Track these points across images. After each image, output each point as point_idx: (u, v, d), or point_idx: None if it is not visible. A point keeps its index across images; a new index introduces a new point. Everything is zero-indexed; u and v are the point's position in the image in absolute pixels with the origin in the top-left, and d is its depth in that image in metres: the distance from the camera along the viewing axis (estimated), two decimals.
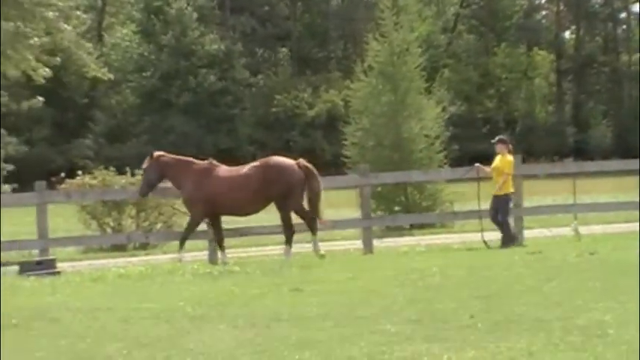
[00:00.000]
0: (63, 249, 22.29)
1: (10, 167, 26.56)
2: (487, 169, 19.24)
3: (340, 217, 23.59)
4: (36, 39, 24.41)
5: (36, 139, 61.13)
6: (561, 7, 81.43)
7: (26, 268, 17.13)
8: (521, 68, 78.16)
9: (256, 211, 18.83)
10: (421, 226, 27.77)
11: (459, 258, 16.49)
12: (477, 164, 19.88)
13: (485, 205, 18.87)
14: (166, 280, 14.91)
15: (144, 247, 25.53)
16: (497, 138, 19.70)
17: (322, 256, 17.62)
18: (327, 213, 19.21)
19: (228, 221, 19.72)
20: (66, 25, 24.24)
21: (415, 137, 30.68)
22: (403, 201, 29.83)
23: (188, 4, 67.76)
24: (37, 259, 18.17)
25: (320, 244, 18.48)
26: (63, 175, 27.44)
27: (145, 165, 18.78)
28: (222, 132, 65.36)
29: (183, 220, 27.24)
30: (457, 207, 27.94)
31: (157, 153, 18.91)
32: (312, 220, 18.31)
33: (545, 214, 24.47)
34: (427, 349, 8.95)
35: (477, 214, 19.50)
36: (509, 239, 18.37)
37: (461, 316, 10.39)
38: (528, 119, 75.54)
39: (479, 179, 19.50)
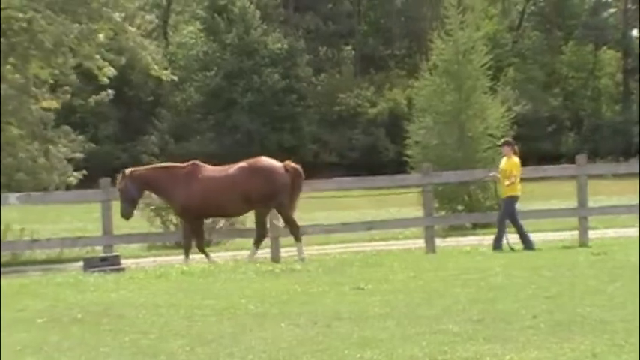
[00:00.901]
0: (127, 246, 22.49)
1: (79, 157, 26.82)
2: (497, 174, 19.03)
3: (403, 216, 23.57)
4: (101, 37, 24.67)
5: (102, 136, 61.73)
6: (629, 5, 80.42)
7: (91, 264, 17.31)
8: (587, 67, 77.36)
9: (241, 212, 18.74)
10: (484, 226, 27.59)
11: (522, 258, 16.37)
12: (491, 173, 19.65)
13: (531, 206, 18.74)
14: (229, 277, 14.99)
15: (207, 244, 25.62)
16: (502, 140, 19.59)
17: (302, 259, 17.43)
18: (391, 212, 19.16)
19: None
20: (131, 27, 24.46)
21: (479, 136, 30.52)
22: (466, 200, 29.68)
23: (251, 3, 68.00)
24: (102, 255, 18.36)
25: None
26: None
27: (119, 185, 18.26)
28: (285, 130, 65.52)
29: (245, 219, 27.50)
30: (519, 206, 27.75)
31: (128, 170, 18.58)
32: (295, 226, 18.14)
33: (610, 214, 24.19)
34: (489, 349, 8.91)
35: (535, 215, 19.33)
36: (498, 242, 18.21)
37: (523, 317, 10.32)
38: (594, 118, 74.72)
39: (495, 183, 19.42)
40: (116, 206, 19.37)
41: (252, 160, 18.42)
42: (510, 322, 10.07)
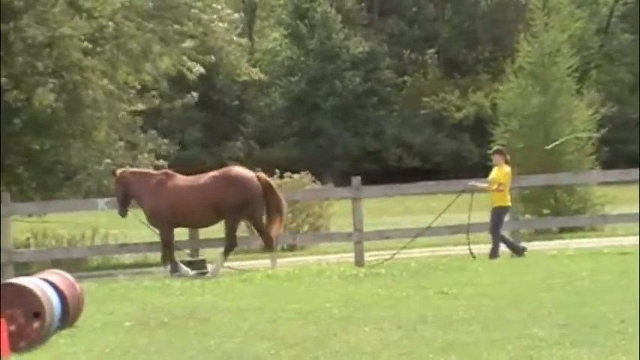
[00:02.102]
0: (213, 250, 22.63)
1: (165, 165, 27.14)
2: (483, 184, 18.74)
3: (489, 220, 23.38)
4: (189, 42, 24.95)
5: (188, 141, 62.35)
6: None
7: (177, 268, 17.48)
8: None
9: (211, 223, 18.29)
10: (571, 230, 27.25)
11: (610, 262, 16.13)
12: (470, 183, 19.31)
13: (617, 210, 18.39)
14: (313, 281, 15.04)
15: (291, 248, 25.77)
16: (494, 149, 19.19)
17: (274, 267, 17.23)
18: (476, 216, 19.03)
19: (367, 224, 19.64)
20: (220, 23, 24.64)
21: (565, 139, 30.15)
22: (552, 204, 29.34)
23: (331, 6, 68.12)
24: (188, 259, 18.53)
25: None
26: None
27: (113, 186, 18.33)
28: (368, 134, 65.47)
29: (330, 223, 27.57)
30: (608, 210, 27.38)
31: (119, 170, 18.52)
32: (268, 237, 17.82)
33: None
34: (575, 353, 8.81)
35: (624, 218, 18.97)
36: (495, 253, 17.98)
37: (611, 321, 10.18)
38: None
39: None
40: None
41: (223, 170, 18.16)
42: (597, 327, 9.94)
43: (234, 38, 25.80)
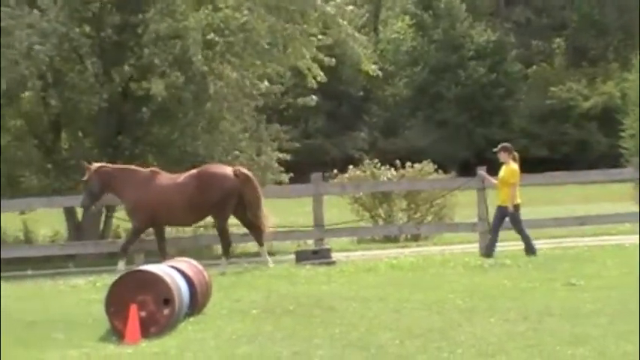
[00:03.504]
0: (337, 239, 22.80)
1: (287, 157, 27.39)
2: (492, 179, 18.20)
3: (616, 211, 23.01)
4: (313, 39, 25.09)
5: (312, 130, 62.72)
6: None
7: (303, 256, 17.64)
8: None
9: (194, 221, 18.11)
10: None
11: None
12: (480, 171, 18.93)
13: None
14: (437, 271, 15.03)
15: (415, 238, 25.77)
16: (499, 146, 18.17)
17: (267, 267, 16.83)
18: (603, 207, 18.73)
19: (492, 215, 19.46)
20: (342, 20, 24.72)
21: None
22: None
23: None
24: (313, 248, 18.67)
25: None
26: (335, 171, 28.19)
27: (85, 177, 17.94)
28: (494, 124, 64.83)
29: (453, 213, 27.46)
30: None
31: (96, 164, 18.18)
32: (258, 231, 17.52)
33: None
34: None
35: None
36: (530, 249, 17.19)
37: None
38: None
39: (483, 188, 18.62)
40: (327, 200, 19.72)
41: (201, 168, 17.97)
42: None
43: (356, 34, 25.80)
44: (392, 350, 9.33)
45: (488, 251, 17.27)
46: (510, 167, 17.54)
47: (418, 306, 11.66)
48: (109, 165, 18.51)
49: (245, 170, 17.76)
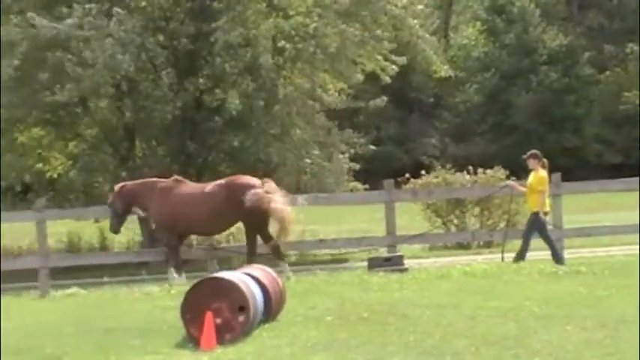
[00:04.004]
0: (408, 246, 22.75)
1: (357, 167, 27.44)
2: (521, 187, 18.23)
3: None
4: (385, 43, 25.12)
5: (383, 137, 62.66)
6: None
7: (375, 264, 17.60)
8: None
9: (221, 230, 18.06)
10: None
11: None
12: (509, 182, 19.08)
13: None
14: (511, 278, 14.89)
15: (488, 245, 25.61)
16: (528, 153, 18.01)
17: (288, 279, 16.47)
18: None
19: (566, 221, 19.26)
20: (412, 20, 24.71)
21: None
22: None
23: (531, 1, 67.23)
24: (386, 255, 18.63)
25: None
26: (407, 175, 28.10)
27: (109, 200, 18.09)
28: (567, 130, 64.17)
29: (525, 219, 27.18)
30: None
31: (118, 185, 18.35)
32: (275, 245, 17.30)
33: None
34: None
35: None
36: (557, 256, 17.26)
37: None
38: None
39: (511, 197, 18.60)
40: (399, 207, 19.66)
41: (229, 178, 17.93)
42: None
43: (427, 36, 25.78)
44: (468, 358, 9.29)
45: (518, 258, 17.33)
46: (539, 174, 17.56)
47: (493, 313, 11.57)
48: (129, 182, 18.68)
49: (271, 182, 17.70)
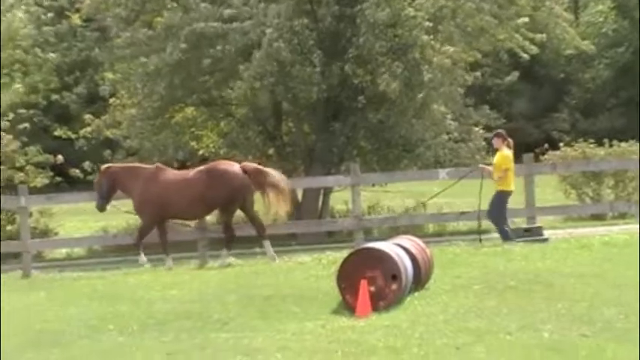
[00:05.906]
0: (544, 217, 22.34)
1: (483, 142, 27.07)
2: (489, 168, 17.16)
3: None
4: (519, 21, 24.76)
5: (514, 113, 61.82)
6: None
7: (516, 234, 17.39)
8: None
9: (202, 215, 17.64)
10: None
11: None
12: (480, 165, 18.00)
13: None
14: None
15: (622, 216, 25.03)
16: (494, 132, 17.36)
17: (273, 258, 16.25)
18: None
19: None
20: (549, 2, 24.34)
21: None
22: None
23: None
24: (525, 226, 18.38)
25: None
26: (546, 146, 27.63)
27: (95, 179, 17.80)
28: None
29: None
30: None
31: (104, 165, 18.07)
32: (260, 225, 16.92)
33: None
34: None
35: None
36: (505, 235, 16.48)
37: None
38: None
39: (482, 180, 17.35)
40: (537, 180, 19.37)
41: (209, 165, 17.70)
42: None
43: (565, 13, 25.32)
44: (618, 325, 9.10)
45: (505, 237, 16.71)
46: (503, 153, 16.97)
47: (636, 282, 11.28)
48: (116, 165, 18.71)
49: (253, 164, 17.63)
